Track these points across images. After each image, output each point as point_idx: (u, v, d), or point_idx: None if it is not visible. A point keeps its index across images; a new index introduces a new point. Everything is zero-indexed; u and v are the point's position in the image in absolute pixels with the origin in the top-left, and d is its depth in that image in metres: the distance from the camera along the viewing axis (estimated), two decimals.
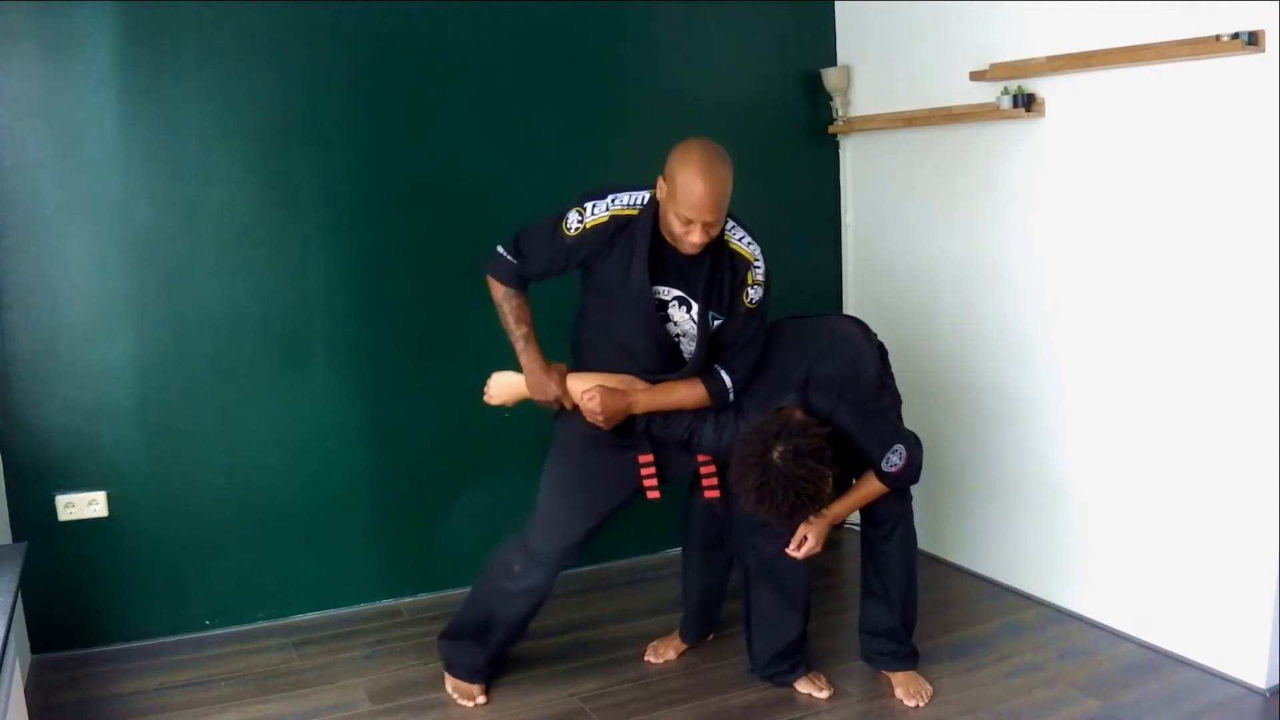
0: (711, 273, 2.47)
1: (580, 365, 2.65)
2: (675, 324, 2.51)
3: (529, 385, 2.61)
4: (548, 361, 2.59)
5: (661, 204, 2.41)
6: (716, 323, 2.52)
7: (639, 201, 2.46)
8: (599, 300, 2.56)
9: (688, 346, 2.54)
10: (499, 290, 2.57)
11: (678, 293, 2.49)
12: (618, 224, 2.44)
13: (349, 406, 3.26)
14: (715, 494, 2.65)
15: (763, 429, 2.37)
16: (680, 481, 2.80)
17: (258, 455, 3.17)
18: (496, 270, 2.56)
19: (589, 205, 2.46)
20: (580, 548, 2.67)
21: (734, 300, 2.49)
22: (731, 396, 2.54)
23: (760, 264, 2.50)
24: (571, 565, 2.70)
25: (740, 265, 2.48)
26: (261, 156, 3.09)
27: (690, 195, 2.29)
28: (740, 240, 2.50)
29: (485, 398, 2.74)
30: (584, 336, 2.67)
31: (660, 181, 2.40)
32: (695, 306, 2.48)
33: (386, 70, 3.20)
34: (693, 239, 2.34)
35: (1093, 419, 3.05)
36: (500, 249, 2.55)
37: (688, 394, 2.54)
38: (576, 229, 2.45)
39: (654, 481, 2.61)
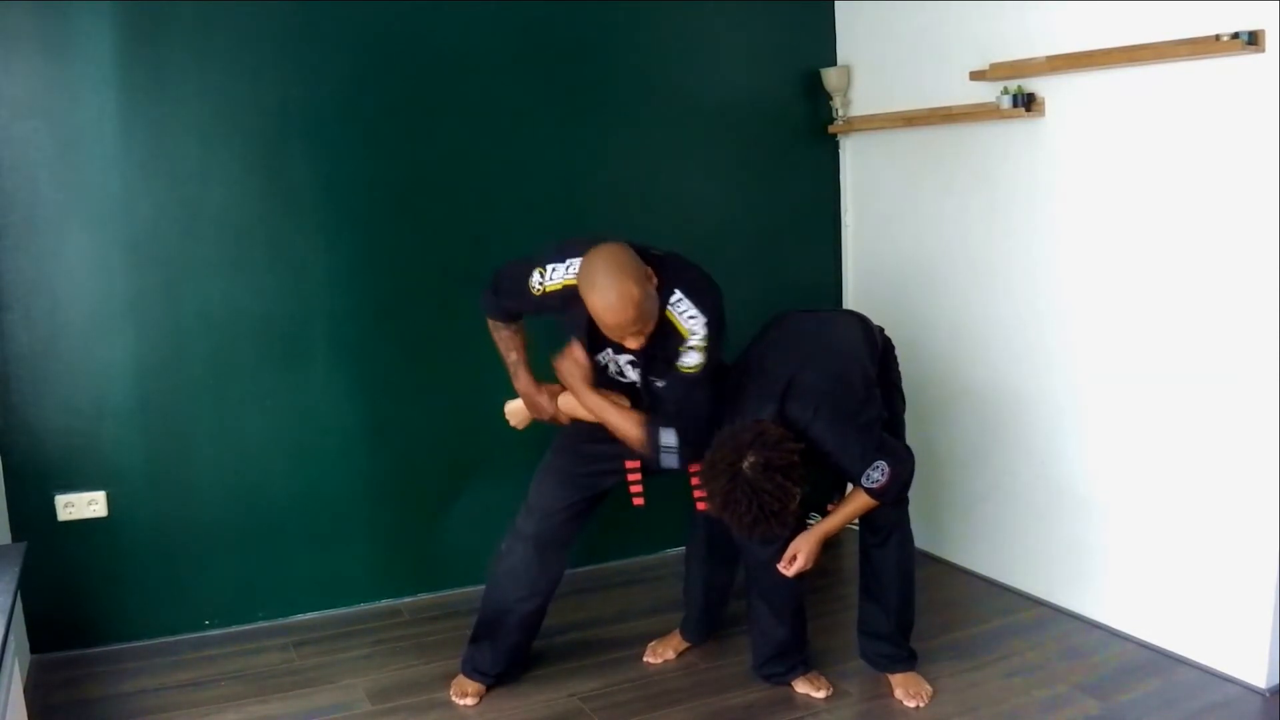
0: (649, 343, 2.41)
1: None
2: (634, 380, 2.56)
3: (526, 406, 2.75)
4: (539, 383, 2.70)
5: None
6: (659, 384, 2.49)
7: None
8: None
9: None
10: (491, 322, 2.69)
11: (629, 356, 2.51)
12: (569, 293, 2.41)
13: (349, 406, 3.26)
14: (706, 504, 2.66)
15: (737, 436, 2.35)
16: (678, 483, 2.78)
17: (258, 455, 3.17)
18: (486, 307, 2.67)
19: (549, 268, 2.45)
20: (558, 528, 2.67)
21: (671, 365, 2.44)
22: (663, 457, 2.46)
23: (698, 335, 2.38)
24: (558, 549, 2.70)
25: (674, 339, 2.40)
26: (261, 156, 3.09)
27: (606, 320, 2.30)
28: (682, 315, 2.39)
29: (513, 426, 2.87)
30: None
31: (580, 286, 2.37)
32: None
33: (386, 70, 3.20)
34: (629, 344, 2.38)
35: (1093, 419, 3.05)
36: (487, 289, 2.64)
37: (623, 423, 2.50)
38: (538, 289, 2.49)
39: (639, 489, 2.65)
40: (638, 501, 2.66)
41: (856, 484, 2.53)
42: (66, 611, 3.01)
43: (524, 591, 2.72)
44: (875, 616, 2.75)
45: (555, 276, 2.45)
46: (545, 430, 2.80)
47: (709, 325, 2.39)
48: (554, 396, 2.69)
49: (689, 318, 2.39)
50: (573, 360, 2.52)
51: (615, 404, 2.55)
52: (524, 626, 2.77)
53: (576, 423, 2.69)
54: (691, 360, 2.41)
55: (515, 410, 2.84)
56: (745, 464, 2.30)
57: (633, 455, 2.61)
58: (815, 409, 2.45)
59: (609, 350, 2.51)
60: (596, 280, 2.28)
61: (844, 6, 3.82)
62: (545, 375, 2.69)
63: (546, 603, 2.78)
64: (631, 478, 2.65)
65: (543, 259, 2.48)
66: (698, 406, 2.47)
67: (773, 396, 2.48)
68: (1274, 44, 2.47)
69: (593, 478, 2.70)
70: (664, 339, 2.41)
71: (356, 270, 3.22)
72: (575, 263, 2.40)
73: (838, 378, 2.52)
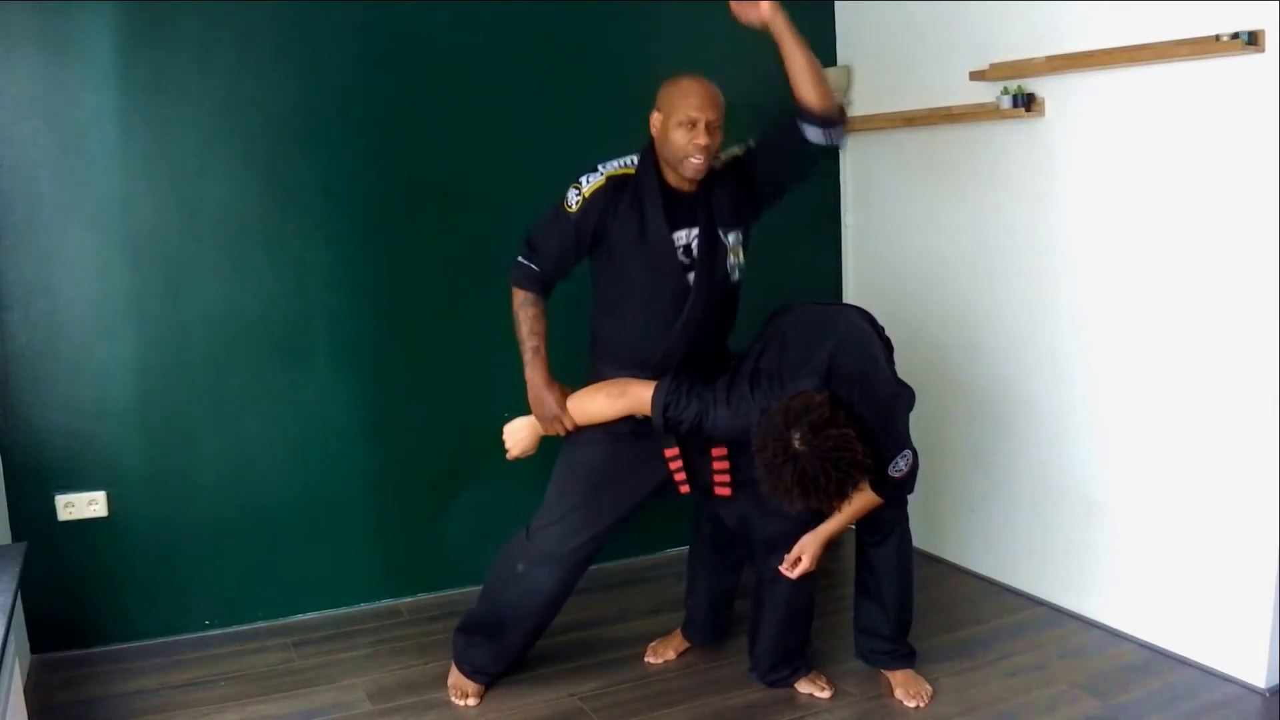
0: (710, 194, 2.53)
1: (596, 355, 2.65)
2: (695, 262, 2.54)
3: (530, 400, 2.61)
4: (552, 379, 2.59)
5: (659, 138, 2.49)
6: (731, 237, 2.57)
7: (630, 161, 2.55)
8: (612, 268, 2.57)
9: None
10: (518, 297, 2.58)
11: (697, 230, 2.52)
12: (615, 183, 2.51)
13: (349, 406, 3.26)
14: (726, 491, 2.60)
15: (769, 429, 2.32)
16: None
17: (258, 455, 3.17)
18: (517, 277, 2.58)
19: (583, 179, 2.54)
20: (592, 550, 2.63)
21: (747, 151, 2.60)
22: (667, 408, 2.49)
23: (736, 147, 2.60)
24: (581, 572, 2.67)
25: (728, 168, 2.57)
26: (261, 156, 3.09)
27: (689, 96, 2.44)
28: (722, 156, 2.58)
29: (508, 456, 2.73)
30: (599, 324, 2.65)
31: (654, 117, 2.50)
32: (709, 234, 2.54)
33: (386, 70, 3.20)
34: (699, 141, 2.41)
35: (1092, 419, 3.05)
36: (519, 256, 2.58)
37: (640, 389, 2.54)
38: (577, 202, 2.51)
39: (683, 475, 2.58)
40: (684, 489, 2.59)
41: (881, 470, 2.49)
42: (66, 611, 3.01)
43: (543, 610, 2.69)
44: (873, 615, 2.75)
45: (594, 178, 2.52)
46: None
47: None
48: (563, 396, 2.58)
49: (724, 155, 2.59)
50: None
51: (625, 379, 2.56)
52: (534, 633, 2.76)
53: (592, 431, 2.59)
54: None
55: (516, 430, 2.69)
56: (795, 442, 2.27)
57: (671, 443, 2.56)
58: (861, 389, 2.44)
59: (680, 233, 2.51)
60: (680, 75, 2.50)
61: (844, 6, 3.82)
62: (561, 375, 2.62)
63: (559, 609, 2.76)
64: (674, 465, 2.56)
65: (572, 183, 2.53)
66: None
67: (815, 370, 2.44)
68: (1274, 44, 2.47)
69: (627, 493, 2.60)
70: (726, 180, 2.55)
71: (356, 270, 3.22)
72: (610, 163, 2.55)
73: (874, 361, 2.52)
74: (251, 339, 3.13)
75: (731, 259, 2.58)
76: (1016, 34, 3.09)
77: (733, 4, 2.35)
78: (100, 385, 2.99)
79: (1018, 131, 3.16)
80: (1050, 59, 2.96)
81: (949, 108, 3.34)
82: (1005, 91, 3.12)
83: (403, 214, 3.26)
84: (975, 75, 3.22)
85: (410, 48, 3.23)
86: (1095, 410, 3.04)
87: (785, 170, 2.60)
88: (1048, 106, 3.06)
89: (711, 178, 2.54)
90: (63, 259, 2.93)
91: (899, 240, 3.70)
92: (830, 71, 3.75)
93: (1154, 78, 2.75)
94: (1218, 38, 2.52)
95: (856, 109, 3.78)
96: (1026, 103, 3.06)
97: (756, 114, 3.72)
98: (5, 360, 2.90)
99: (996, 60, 3.15)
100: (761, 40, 3.78)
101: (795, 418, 2.29)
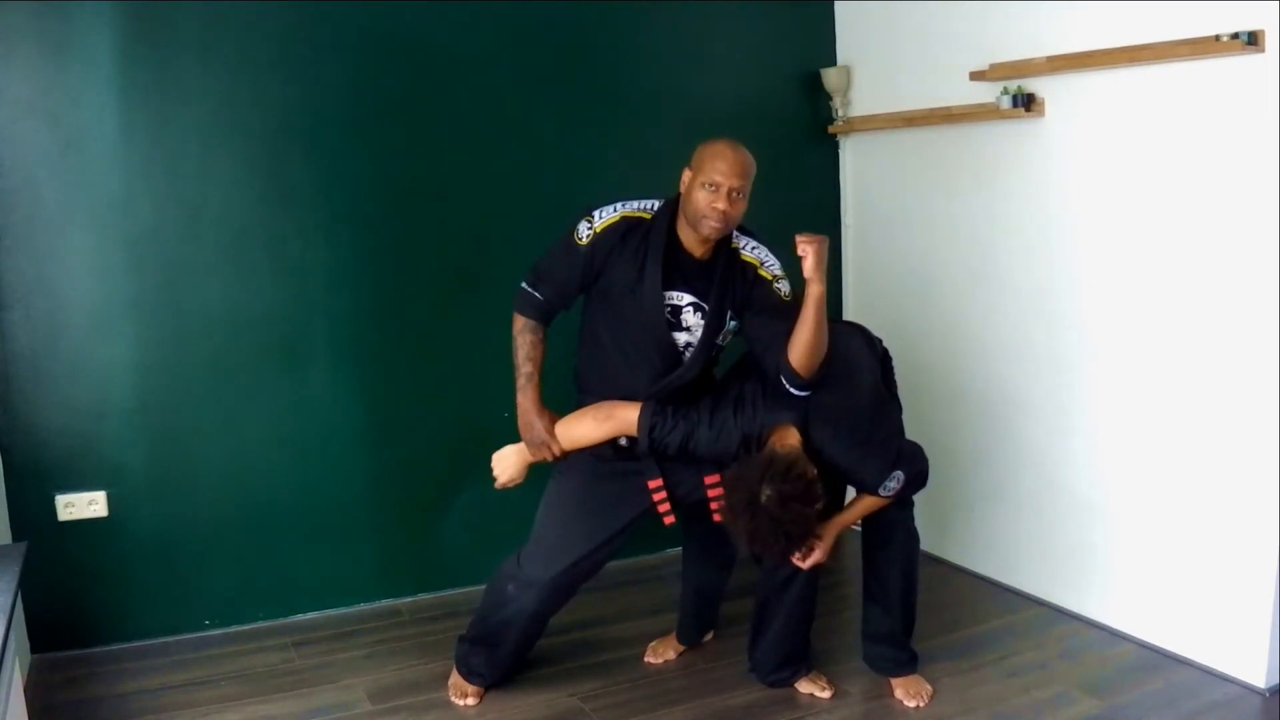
0: (724, 276, 2.51)
1: (581, 389, 2.67)
2: (688, 330, 2.54)
3: (520, 425, 2.63)
4: (542, 406, 2.60)
5: (684, 194, 2.48)
6: (733, 324, 2.56)
7: (650, 206, 2.54)
8: (605, 308, 2.57)
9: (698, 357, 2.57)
10: (518, 323, 2.60)
11: (692, 298, 2.52)
12: (629, 224, 2.51)
13: (349, 406, 3.26)
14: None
15: (747, 473, 2.34)
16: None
17: (258, 455, 3.17)
18: (519, 303, 2.60)
19: (597, 211, 2.53)
20: (577, 576, 2.63)
21: (764, 300, 2.53)
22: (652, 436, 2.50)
23: (772, 263, 2.55)
24: (568, 596, 2.68)
25: (749, 270, 2.54)
26: (261, 156, 3.09)
27: (718, 160, 2.43)
28: (746, 246, 2.56)
29: (496, 484, 2.73)
30: (585, 359, 2.67)
31: (684, 173, 2.50)
32: (706, 311, 2.52)
33: (386, 70, 3.20)
34: (718, 205, 2.40)
35: (1093, 419, 3.05)
36: (522, 284, 2.59)
37: (624, 411, 2.54)
38: (588, 235, 2.51)
39: (667, 507, 2.60)
40: (669, 520, 2.62)
41: (873, 495, 2.55)
42: (66, 611, 3.01)
43: (533, 630, 2.71)
44: (876, 618, 2.75)
45: (608, 213, 2.52)
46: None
47: (773, 253, 2.57)
48: (551, 422, 2.60)
49: (753, 248, 2.56)
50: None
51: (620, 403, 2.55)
52: (526, 648, 2.78)
53: (578, 459, 2.62)
54: (786, 288, 2.54)
55: (504, 458, 2.70)
56: (762, 498, 2.29)
57: (655, 474, 2.58)
58: (835, 428, 2.47)
59: (675, 293, 2.50)
60: (718, 138, 2.49)
61: (844, 6, 3.82)
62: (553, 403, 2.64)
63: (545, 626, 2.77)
64: (658, 497, 2.59)
65: (586, 212, 2.53)
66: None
67: (797, 407, 2.47)
68: (1274, 44, 2.47)
69: (609, 520, 2.60)
70: (740, 275, 2.53)
71: (356, 270, 3.22)
72: (631, 202, 2.54)
73: (853, 395, 2.52)
74: (252, 339, 3.13)
75: (719, 340, 2.59)
76: (1016, 34, 3.09)
77: (798, 237, 2.43)
78: (100, 385, 2.99)
79: (1018, 132, 3.17)
80: (1050, 59, 2.96)
81: (949, 108, 3.34)
82: (1005, 91, 3.12)
83: (403, 214, 3.26)
84: (975, 75, 3.22)
85: (410, 48, 3.23)
86: (1095, 410, 3.04)
87: (749, 339, 2.58)
88: (1048, 106, 3.06)
89: (735, 262, 2.53)
90: (63, 259, 2.93)
91: (899, 240, 3.69)
92: (830, 71, 3.76)
93: (1154, 78, 2.75)
94: (1218, 38, 2.52)
95: (856, 109, 3.78)
96: (1026, 103, 3.07)
97: (755, 114, 3.74)
98: (5, 360, 2.90)
99: (996, 60, 3.15)
100: (760, 43, 3.80)
101: (771, 476, 2.30)
